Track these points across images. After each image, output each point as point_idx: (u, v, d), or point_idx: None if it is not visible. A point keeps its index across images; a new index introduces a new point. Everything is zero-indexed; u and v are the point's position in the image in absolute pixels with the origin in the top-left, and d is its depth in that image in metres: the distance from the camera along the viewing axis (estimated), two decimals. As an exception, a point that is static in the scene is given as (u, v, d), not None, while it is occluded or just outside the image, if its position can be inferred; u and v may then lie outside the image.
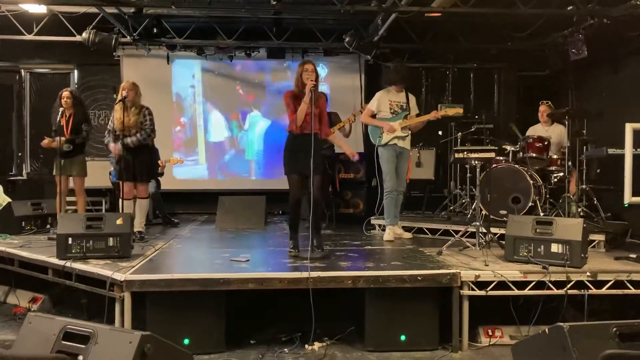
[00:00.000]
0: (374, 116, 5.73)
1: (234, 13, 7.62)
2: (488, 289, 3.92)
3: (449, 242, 4.87)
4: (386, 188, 5.63)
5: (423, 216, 6.82)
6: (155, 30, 7.98)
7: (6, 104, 8.79)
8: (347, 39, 7.59)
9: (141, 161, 5.48)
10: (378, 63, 8.41)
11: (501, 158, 6.07)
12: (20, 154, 8.94)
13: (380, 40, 7.75)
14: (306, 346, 3.86)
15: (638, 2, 5.74)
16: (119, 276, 3.76)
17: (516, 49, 8.12)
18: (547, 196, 5.90)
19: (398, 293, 3.85)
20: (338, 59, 8.90)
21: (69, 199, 6.05)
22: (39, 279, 4.57)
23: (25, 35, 7.83)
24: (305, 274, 3.81)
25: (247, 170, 9.06)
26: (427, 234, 5.97)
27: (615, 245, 5.25)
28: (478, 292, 3.91)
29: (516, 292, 3.95)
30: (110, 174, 7.38)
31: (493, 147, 5.23)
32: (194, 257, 4.89)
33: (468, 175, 6.37)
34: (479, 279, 3.91)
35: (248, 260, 4.36)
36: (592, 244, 4.90)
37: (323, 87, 8.45)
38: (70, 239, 4.32)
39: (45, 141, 5.93)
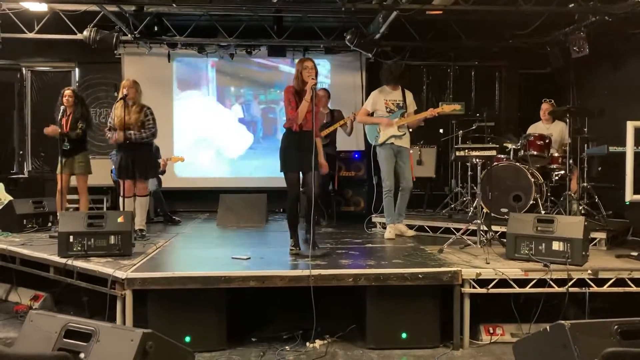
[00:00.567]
0: (370, 115, 5.72)
1: (235, 11, 7.65)
2: (489, 286, 3.92)
3: (450, 240, 4.87)
4: (385, 187, 5.60)
5: (424, 214, 6.81)
6: (156, 29, 8.00)
7: (7, 102, 8.80)
8: (348, 37, 7.59)
9: (141, 159, 5.47)
10: (379, 61, 8.39)
11: (502, 156, 6.08)
12: (21, 152, 8.94)
13: (382, 38, 7.76)
14: (307, 344, 3.85)
15: (640, 0, 5.74)
16: (121, 274, 3.77)
17: (517, 46, 8.10)
18: (548, 194, 5.90)
19: (399, 291, 3.85)
20: (339, 57, 8.89)
21: (69, 197, 6.05)
22: (41, 277, 4.57)
23: (26, 33, 7.83)
24: (306, 272, 3.81)
25: (248, 168, 9.06)
26: (428, 232, 5.96)
27: (616, 243, 5.24)
28: (479, 290, 3.92)
29: (517, 290, 3.94)
30: (111, 171, 7.37)
31: (494, 145, 5.22)
32: (195, 255, 4.89)
33: (469, 173, 6.36)
34: (480, 277, 3.91)
35: (249, 258, 4.36)
36: (594, 242, 4.89)
37: (324, 84, 8.45)
38: (71, 237, 4.32)
39: (49, 128, 5.75)
